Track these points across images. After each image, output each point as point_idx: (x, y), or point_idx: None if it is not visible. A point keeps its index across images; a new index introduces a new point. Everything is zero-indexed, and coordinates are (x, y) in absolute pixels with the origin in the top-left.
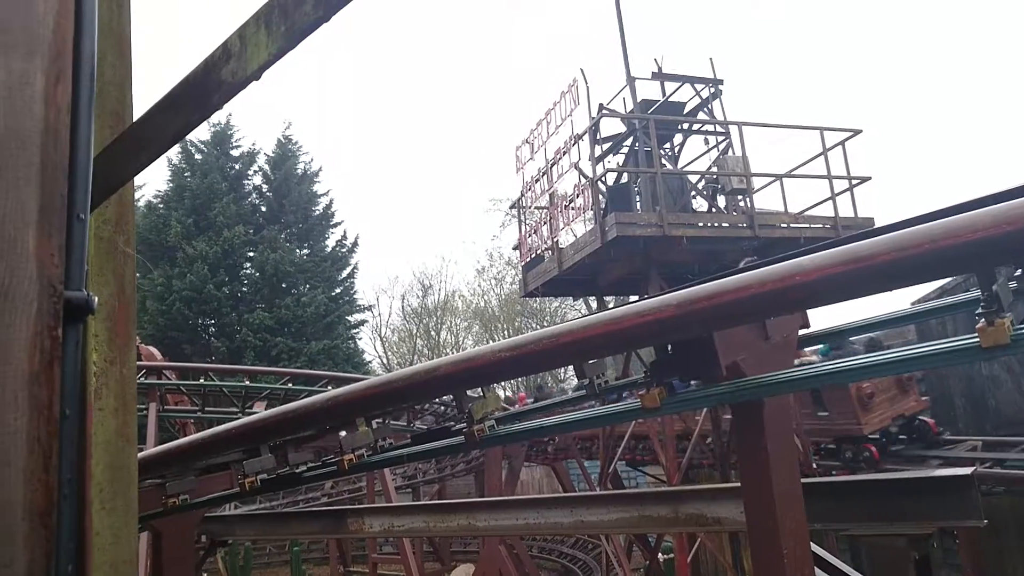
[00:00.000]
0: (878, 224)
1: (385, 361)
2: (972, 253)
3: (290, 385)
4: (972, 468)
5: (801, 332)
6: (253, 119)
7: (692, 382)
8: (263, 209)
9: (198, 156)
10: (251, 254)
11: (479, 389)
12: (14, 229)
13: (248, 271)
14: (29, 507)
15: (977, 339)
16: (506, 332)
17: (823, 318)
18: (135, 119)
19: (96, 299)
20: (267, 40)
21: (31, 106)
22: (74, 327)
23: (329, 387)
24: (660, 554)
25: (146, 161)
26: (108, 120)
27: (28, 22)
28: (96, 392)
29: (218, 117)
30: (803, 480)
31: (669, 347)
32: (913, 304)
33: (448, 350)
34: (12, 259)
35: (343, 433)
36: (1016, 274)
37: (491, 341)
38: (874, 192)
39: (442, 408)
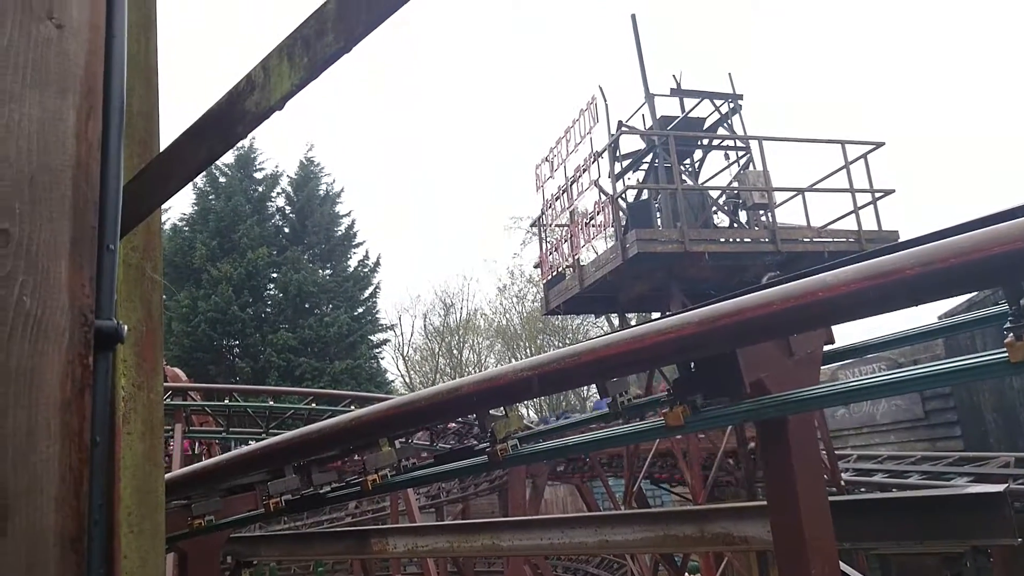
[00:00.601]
0: (903, 237)
1: (408, 380)
2: (999, 266)
3: (314, 405)
4: (1004, 485)
5: (826, 348)
6: (276, 142)
7: (716, 399)
8: (286, 230)
9: (222, 179)
10: (274, 275)
11: (502, 408)
12: (47, 261)
13: (272, 292)
14: (60, 533)
15: (1006, 354)
16: (528, 350)
17: (848, 333)
18: (162, 148)
19: (125, 328)
20: (290, 71)
21: (63, 142)
22: (104, 355)
23: (352, 407)
24: (686, 573)
25: (173, 189)
26: (136, 149)
27: (61, 61)
28: (124, 417)
29: (242, 141)
30: (831, 498)
31: (692, 364)
32: (940, 318)
33: (470, 369)
34: (45, 290)
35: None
36: None
37: (513, 359)
38: (898, 205)
39: (464, 428)
